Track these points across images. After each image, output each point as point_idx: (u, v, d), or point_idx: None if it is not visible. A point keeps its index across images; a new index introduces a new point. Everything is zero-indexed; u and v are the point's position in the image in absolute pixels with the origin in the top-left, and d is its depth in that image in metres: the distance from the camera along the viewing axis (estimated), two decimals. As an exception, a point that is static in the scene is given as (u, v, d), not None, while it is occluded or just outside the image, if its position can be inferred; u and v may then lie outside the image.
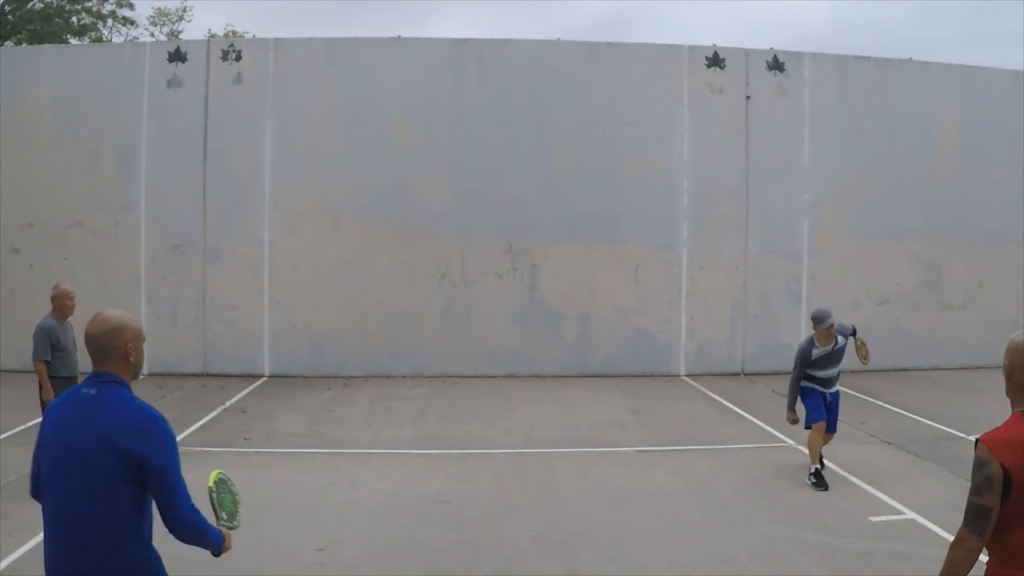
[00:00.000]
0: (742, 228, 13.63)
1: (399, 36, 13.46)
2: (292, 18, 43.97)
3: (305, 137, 13.17)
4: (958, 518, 2.76)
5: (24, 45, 23.84)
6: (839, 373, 7.63)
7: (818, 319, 7.31)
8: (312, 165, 13.17)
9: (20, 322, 11.53)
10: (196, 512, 2.80)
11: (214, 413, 10.25)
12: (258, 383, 12.56)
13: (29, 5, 25.37)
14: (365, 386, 12.28)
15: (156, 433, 2.74)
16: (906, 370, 13.44)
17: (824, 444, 7.62)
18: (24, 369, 11.22)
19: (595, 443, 8.99)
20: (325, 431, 9.47)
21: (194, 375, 12.74)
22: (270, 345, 13.22)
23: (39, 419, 7.30)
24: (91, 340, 2.82)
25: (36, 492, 2.91)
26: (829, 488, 7.16)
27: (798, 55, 13.85)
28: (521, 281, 13.43)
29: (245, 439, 8.94)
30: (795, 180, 13.72)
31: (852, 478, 7.52)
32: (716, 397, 11.59)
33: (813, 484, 7.24)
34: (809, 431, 7.44)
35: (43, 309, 7.49)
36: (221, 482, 3.13)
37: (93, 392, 2.77)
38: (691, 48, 13.71)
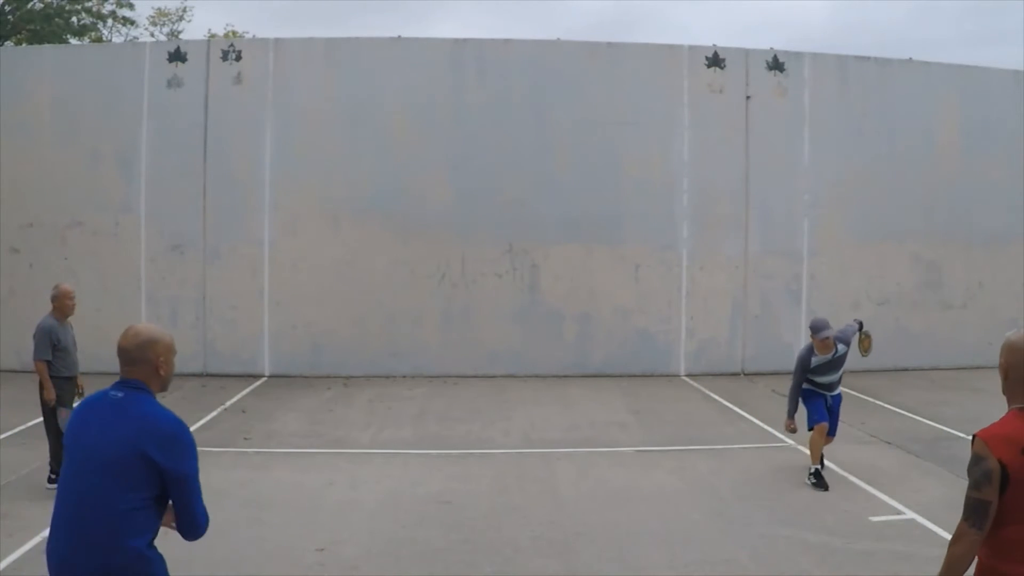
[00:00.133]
0: (742, 228, 13.63)
1: (399, 36, 13.46)
2: (292, 18, 44.01)
3: (305, 137, 13.17)
4: (958, 518, 2.77)
5: (24, 45, 23.84)
6: (841, 378, 7.62)
7: (815, 329, 7.28)
8: (312, 165, 13.17)
9: (20, 322, 11.53)
10: (207, 516, 2.90)
11: (214, 413, 10.25)
12: (258, 383, 12.56)
13: (29, 5, 25.37)
14: (365, 386, 12.28)
15: (181, 441, 2.81)
16: (906, 370, 13.44)
17: (824, 446, 7.63)
18: (24, 369, 11.23)
19: (595, 443, 8.99)
20: (325, 431, 9.47)
21: (194, 375, 12.73)
22: (270, 345, 13.22)
23: (39, 419, 7.32)
24: (123, 351, 2.90)
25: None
26: (829, 488, 7.16)
27: (798, 55, 13.85)
28: (521, 281, 13.43)
29: (245, 439, 8.94)
30: (795, 180, 13.72)
31: (852, 478, 7.52)
32: (716, 397, 11.59)
33: (813, 484, 7.24)
34: (811, 432, 7.45)
35: (43, 309, 7.49)
36: None
37: (120, 395, 2.85)
38: (691, 48, 13.71)
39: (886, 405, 10.88)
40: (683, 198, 13.56)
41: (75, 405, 7.12)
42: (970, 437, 2.86)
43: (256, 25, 49.69)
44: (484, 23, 50.97)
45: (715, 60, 13.58)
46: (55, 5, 26.11)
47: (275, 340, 13.22)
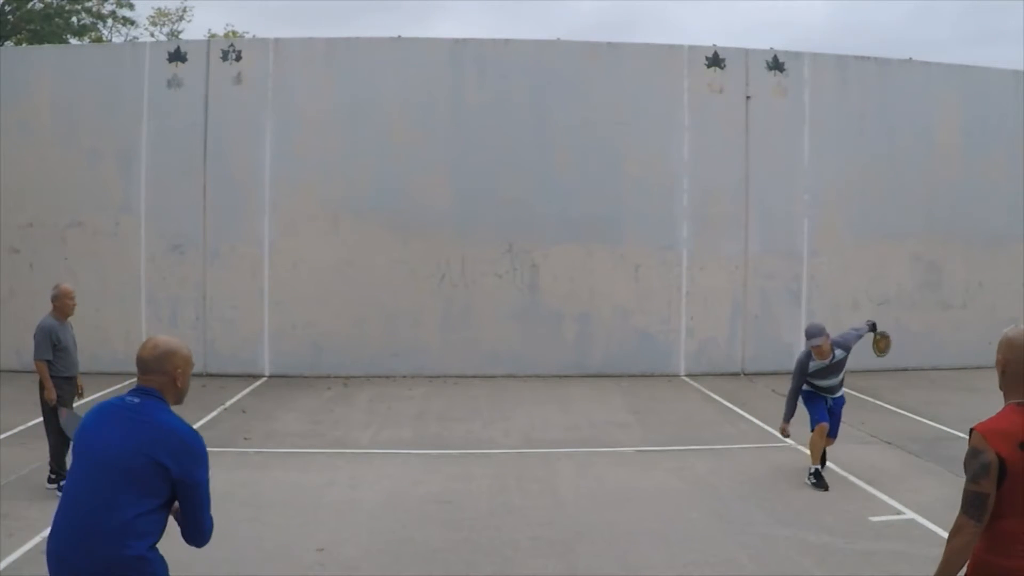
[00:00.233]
0: (742, 228, 13.63)
1: (399, 36, 13.46)
2: (292, 18, 44.00)
3: (305, 137, 13.17)
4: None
5: (24, 45, 23.84)
6: (841, 382, 7.59)
7: (808, 335, 7.26)
8: (312, 165, 13.17)
9: (20, 322, 11.54)
10: (213, 525, 2.99)
11: (214, 413, 10.25)
12: (258, 383, 12.56)
13: (29, 5, 25.37)
14: (365, 386, 12.28)
15: (195, 452, 2.88)
16: (906, 370, 13.44)
17: (825, 447, 7.63)
18: (24, 369, 11.24)
19: (595, 443, 8.99)
20: (325, 431, 9.47)
21: (194, 375, 12.55)
22: (270, 345, 13.23)
23: (39, 419, 7.32)
24: (142, 361, 2.96)
25: None
26: (829, 488, 7.16)
27: (798, 55, 13.85)
28: (521, 281, 13.43)
29: (245, 439, 8.94)
30: (795, 180, 13.72)
31: (852, 478, 7.52)
32: (716, 397, 11.59)
33: (813, 484, 7.24)
34: (811, 433, 7.45)
35: (43, 309, 7.49)
36: None
37: (137, 401, 2.91)
38: (691, 48, 13.71)
39: (886, 405, 10.88)
40: (683, 198, 13.56)
41: (75, 405, 7.16)
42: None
43: (256, 25, 49.71)
44: (484, 23, 51.01)
45: (715, 60, 13.58)
46: (55, 5, 26.11)
47: (275, 340, 13.22)
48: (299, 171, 13.17)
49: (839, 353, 7.35)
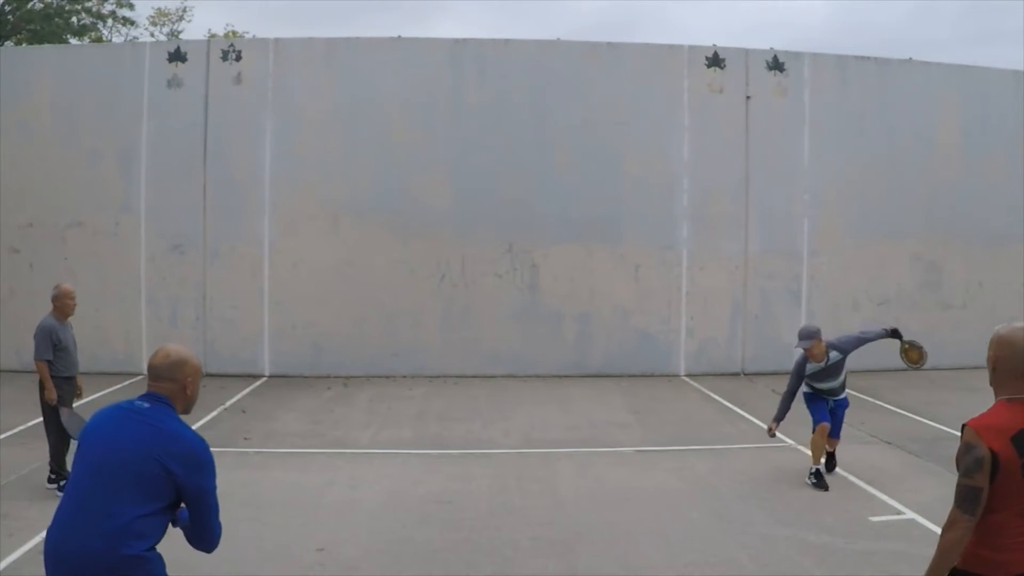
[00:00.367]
0: (742, 228, 13.63)
1: (399, 36, 13.46)
2: (292, 18, 44.00)
3: (305, 137, 13.17)
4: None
5: (24, 45, 23.84)
6: (843, 384, 7.57)
7: (798, 337, 7.29)
8: (312, 165, 13.17)
9: (20, 322, 11.54)
10: (221, 531, 3.07)
11: (214, 413, 10.25)
12: (258, 383, 12.56)
13: (29, 5, 25.37)
14: (365, 386, 12.28)
15: (203, 460, 2.97)
16: (906, 370, 13.39)
17: (829, 448, 7.64)
18: (24, 369, 11.24)
19: (595, 443, 8.99)
20: (325, 431, 9.47)
21: (194, 375, 12.70)
22: (270, 345, 13.22)
23: (39, 419, 7.31)
24: (153, 369, 3.02)
25: None
26: (829, 489, 7.16)
27: (798, 55, 13.85)
28: (521, 281, 13.43)
29: (245, 439, 8.94)
30: (795, 180, 13.72)
31: (852, 478, 7.52)
32: (716, 397, 11.59)
33: (813, 484, 7.24)
34: (813, 433, 7.45)
35: (43, 309, 7.49)
36: None
37: (147, 406, 2.96)
38: (691, 48, 13.71)
39: (886, 405, 10.88)
40: (683, 198, 13.56)
41: (74, 405, 7.15)
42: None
43: (256, 25, 49.71)
44: (484, 23, 51.01)
45: (715, 60, 13.58)
46: (55, 5, 26.11)
47: (275, 340, 13.22)
48: (299, 171, 13.16)
49: (834, 355, 7.33)
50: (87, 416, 3.14)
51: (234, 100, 13.19)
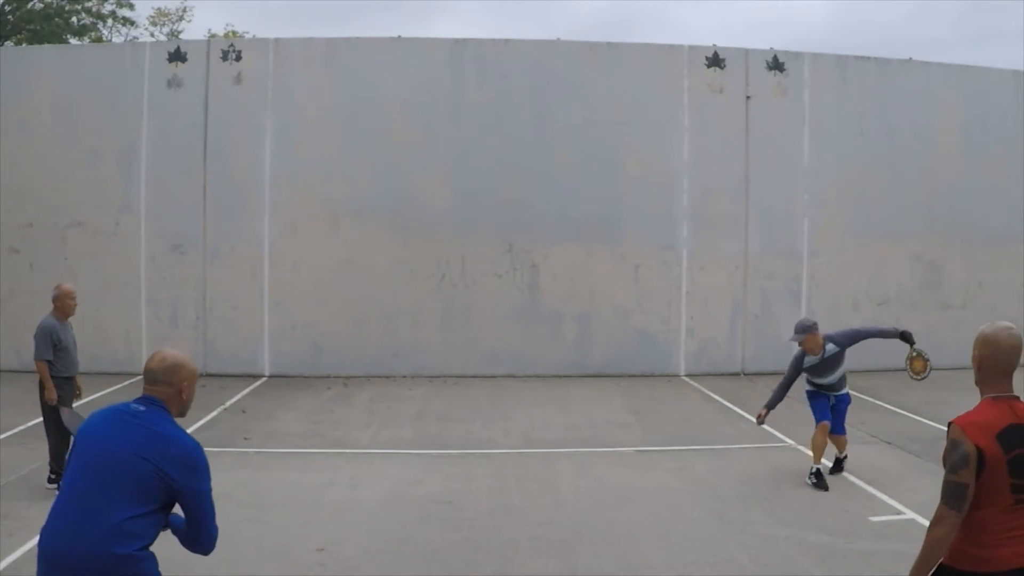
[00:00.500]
0: (742, 228, 13.63)
1: (399, 36, 13.46)
2: (292, 18, 43.99)
3: (305, 137, 13.16)
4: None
5: (24, 45, 23.84)
6: (843, 379, 7.59)
7: (794, 331, 7.36)
8: (312, 165, 13.17)
9: (20, 322, 11.54)
10: (217, 534, 3.08)
11: (214, 413, 10.25)
12: (258, 383, 12.56)
13: (29, 5, 25.37)
14: (365, 386, 12.28)
15: (197, 464, 2.97)
16: (906, 370, 13.41)
17: (838, 447, 7.66)
18: (24, 369, 11.24)
19: (595, 443, 8.99)
20: (325, 431, 9.48)
21: (194, 375, 12.70)
22: (270, 345, 13.22)
23: (39, 419, 7.32)
24: (150, 372, 3.05)
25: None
26: (829, 489, 7.17)
27: (798, 55, 13.84)
28: (521, 281, 13.42)
29: (245, 439, 8.94)
30: (795, 180, 13.72)
31: (852, 478, 7.53)
32: (716, 397, 11.59)
33: (814, 484, 7.25)
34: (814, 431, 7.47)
35: (43, 309, 7.49)
36: None
37: (142, 409, 2.99)
38: (691, 48, 13.71)
39: (886, 405, 10.88)
40: (683, 198, 13.56)
41: (74, 405, 7.15)
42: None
43: (256, 25, 49.71)
44: (484, 23, 51.00)
45: (715, 60, 13.58)
46: (55, 5, 26.11)
47: (275, 340, 13.22)
48: (299, 171, 13.16)
49: (830, 348, 7.36)
50: (87, 416, 3.16)
51: (234, 100, 13.19)
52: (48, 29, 24.97)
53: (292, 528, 6.16)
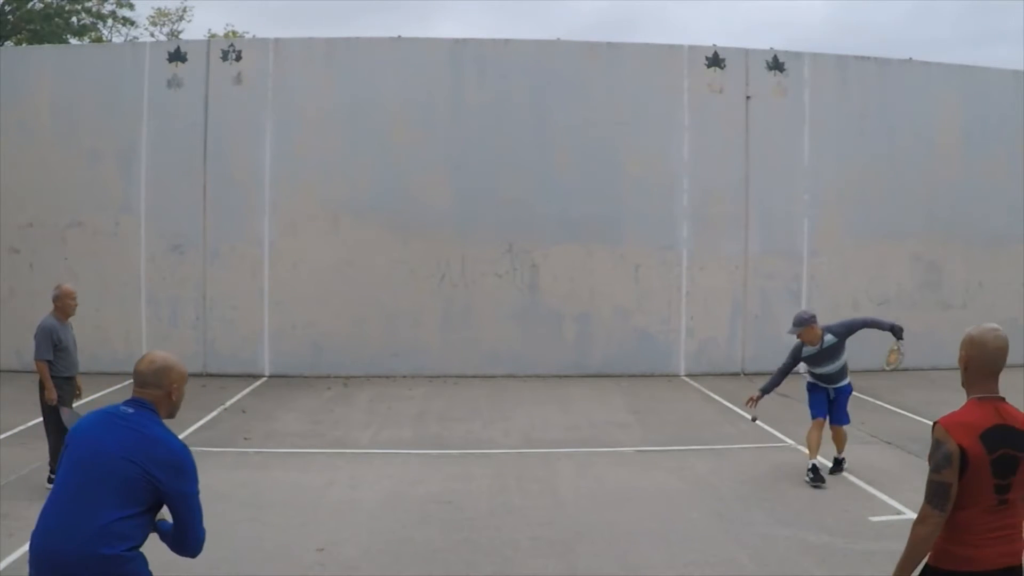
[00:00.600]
0: (742, 228, 13.63)
1: (399, 36, 13.46)
2: (292, 18, 43.99)
3: (305, 137, 13.16)
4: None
5: (24, 45, 23.84)
6: (842, 370, 7.63)
7: (792, 323, 7.51)
8: (312, 165, 13.17)
9: (20, 322, 11.53)
10: (204, 538, 3.05)
11: (214, 413, 10.25)
12: (258, 383, 12.56)
13: (29, 5, 25.37)
14: (365, 386, 12.28)
15: (184, 466, 2.98)
16: (906, 370, 13.38)
17: (838, 440, 7.70)
18: (24, 369, 11.23)
19: (595, 443, 8.99)
20: (325, 431, 9.47)
21: (194, 375, 12.58)
22: (270, 345, 13.22)
23: (39, 419, 7.31)
24: (139, 375, 3.06)
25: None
26: (826, 484, 7.18)
27: (798, 55, 13.84)
28: (521, 281, 13.42)
29: (245, 439, 8.94)
30: (795, 180, 13.72)
31: (852, 478, 7.53)
32: (716, 397, 11.59)
33: (810, 480, 7.27)
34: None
35: (43, 309, 7.49)
36: None
37: (131, 411, 3.00)
38: (691, 48, 13.71)
39: (886, 405, 10.88)
40: (683, 198, 13.56)
41: (74, 405, 7.15)
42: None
43: (256, 25, 49.71)
44: (484, 23, 51.01)
45: (715, 60, 13.58)
46: (55, 5, 26.10)
47: (275, 340, 13.22)
48: (299, 171, 13.16)
49: (829, 339, 7.46)
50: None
51: (234, 100, 13.19)
52: (48, 29, 24.96)
53: (292, 528, 6.16)
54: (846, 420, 7.68)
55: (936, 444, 2.92)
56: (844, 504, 6.78)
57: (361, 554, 5.69)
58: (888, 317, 13.50)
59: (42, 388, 7.07)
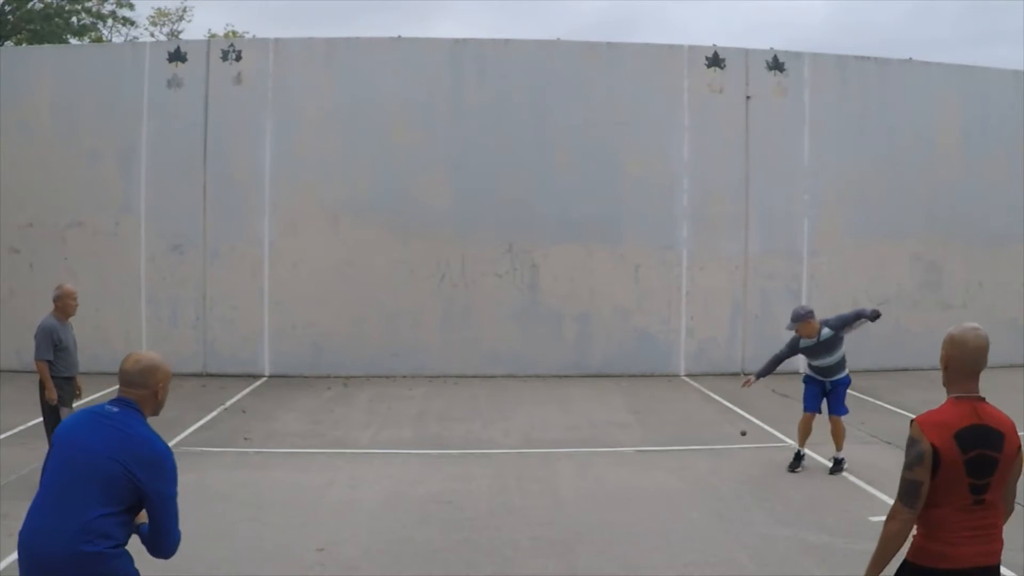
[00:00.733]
0: (742, 228, 13.63)
1: (399, 36, 13.46)
2: (292, 18, 43.99)
3: (305, 137, 13.16)
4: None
5: (24, 45, 23.84)
6: (840, 363, 7.72)
7: (791, 318, 7.70)
8: (312, 165, 13.17)
9: (20, 322, 11.52)
10: (179, 540, 3.07)
11: (214, 413, 10.25)
12: (258, 383, 12.56)
13: (29, 5, 25.37)
14: (365, 386, 12.28)
15: (165, 466, 3.00)
16: (906, 370, 13.43)
17: (836, 431, 7.74)
18: (24, 369, 11.23)
19: (595, 443, 8.99)
20: (325, 431, 9.48)
21: (194, 375, 12.73)
22: (270, 345, 13.22)
23: (39, 419, 7.32)
24: (125, 374, 3.11)
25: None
26: (796, 472, 7.55)
27: (798, 55, 13.84)
28: (521, 281, 13.42)
29: (245, 439, 8.94)
30: (795, 180, 13.72)
31: (852, 478, 7.53)
32: (716, 397, 11.59)
33: (791, 464, 7.73)
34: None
35: (43, 309, 7.49)
36: None
37: (116, 411, 3.04)
38: (691, 48, 13.71)
39: (886, 405, 10.88)
40: (683, 198, 13.56)
41: (74, 405, 7.16)
42: None
43: (256, 25, 49.71)
44: (484, 23, 51.01)
45: (715, 60, 13.58)
46: (55, 5, 26.10)
47: (275, 340, 13.22)
48: (299, 171, 13.16)
49: (825, 332, 7.61)
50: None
51: (234, 100, 13.19)
52: (48, 29, 24.96)
53: (292, 528, 6.16)
54: (843, 411, 7.78)
55: (911, 442, 2.97)
56: (844, 504, 6.78)
57: (361, 554, 5.69)
58: (888, 318, 13.57)
59: (42, 388, 7.07)
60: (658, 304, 13.57)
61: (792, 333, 7.76)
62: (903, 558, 3.07)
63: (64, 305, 7.26)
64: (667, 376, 13.36)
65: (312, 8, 44.94)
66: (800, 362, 8.28)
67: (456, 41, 13.51)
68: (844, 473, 7.65)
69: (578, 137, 13.33)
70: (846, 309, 13.27)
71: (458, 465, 7.99)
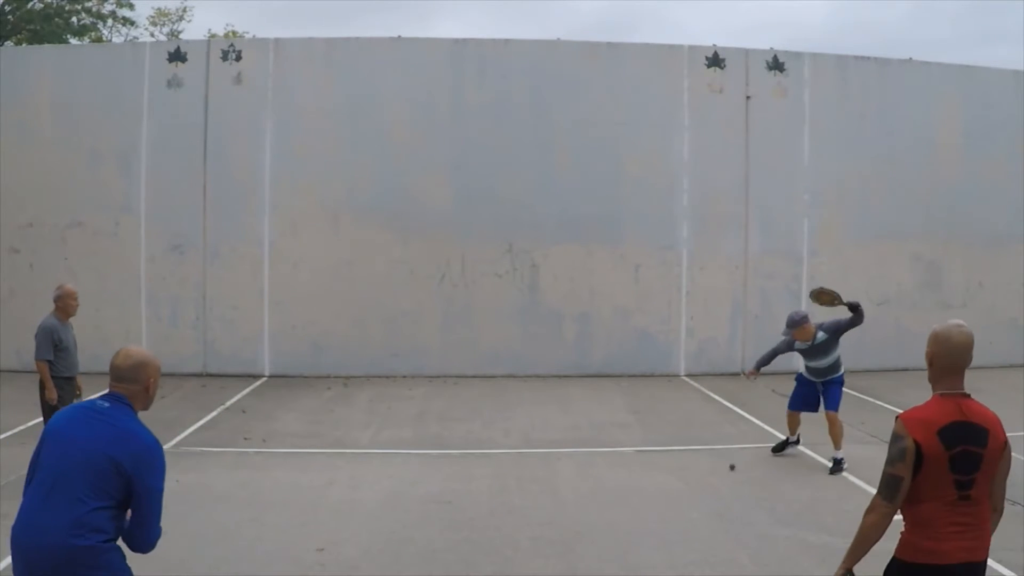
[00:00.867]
0: (742, 228, 13.63)
1: (399, 36, 13.46)
2: (292, 18, 44.03)
3: (305, 137, 13.16)
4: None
5: (24, 45, 23.84)
6: (835, 364, 7.83)
7: (786, 324, 7.91)
8: (312, 165, 13.17)
9: (20, 322, 11.53)
10: (159, 536, 3.09)
11: (214, 413, 10.25)
12: (258, 383, 12.56)
13: (29, 5, 25.37)
14: (365, 386, 12.28)
15: (154, 461, 3.05)
16: (906, 370, 13.40)
17: (833, 428, 7.76)
18: (24, 369, 11.23)
19: (595, 443, 8.99)
20: (325, 431, 9.48)
21: (194, 375, 12.73)
22: (270, 345, 13.22)
23: (39, 419, 7.32)
24: (116, 370, 3.12)
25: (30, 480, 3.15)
26: (778, 455, 7.87)
27: (798, 55, 13.84)
28: (521, 281, 13.42)
29: (245, 439, 8.94)
30: (795, 180, 13.72)
31: (852, 478, 7.53)
32: (716, 397, 11.59)
33: (775, 445, 8.08)
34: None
35: (43, 309, 7.49)
36: None
37: (107, 406, 3.07)
38: (691, 48, 13.71)
39: (886, 405, 10.88)
40: (683, 198, 13.56)
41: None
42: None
43: (256, 25, 49.74)
44: (484, 23, 51.02)
45: (715, 60, 13.58)
46: (55, 5, 26.11)
47: (275, 340, 13.22)
48: (299, 171, 13.16)
49: (820, 336, 7.79)
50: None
51: (234, 100, 13.19)
52: (48, 29, 24.96)
53: (292, 528, 6.16)
54: (835, 407, 7.83)
55: (894, 438, 2.99)
56: (844, 504, 6.78)
57: (361, 554, 5.69)
58: (888, 318, 13.66)
59: (42, 388, 7.08)
60: (658, 304, 13.57)
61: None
62: (892, 555, 3.08)
63: (65, 305, 7.26)
64: (667, 376, 13.36)
65: (312, 8, 44.99)
66: (800, 363, 8.28)
67: (456, 41, 13.51)
68: (844, 473, 7.65)
69: (578, 137, 13.33)
70: (845, 309, 13.38)
71: (458, 465, 7.99)
